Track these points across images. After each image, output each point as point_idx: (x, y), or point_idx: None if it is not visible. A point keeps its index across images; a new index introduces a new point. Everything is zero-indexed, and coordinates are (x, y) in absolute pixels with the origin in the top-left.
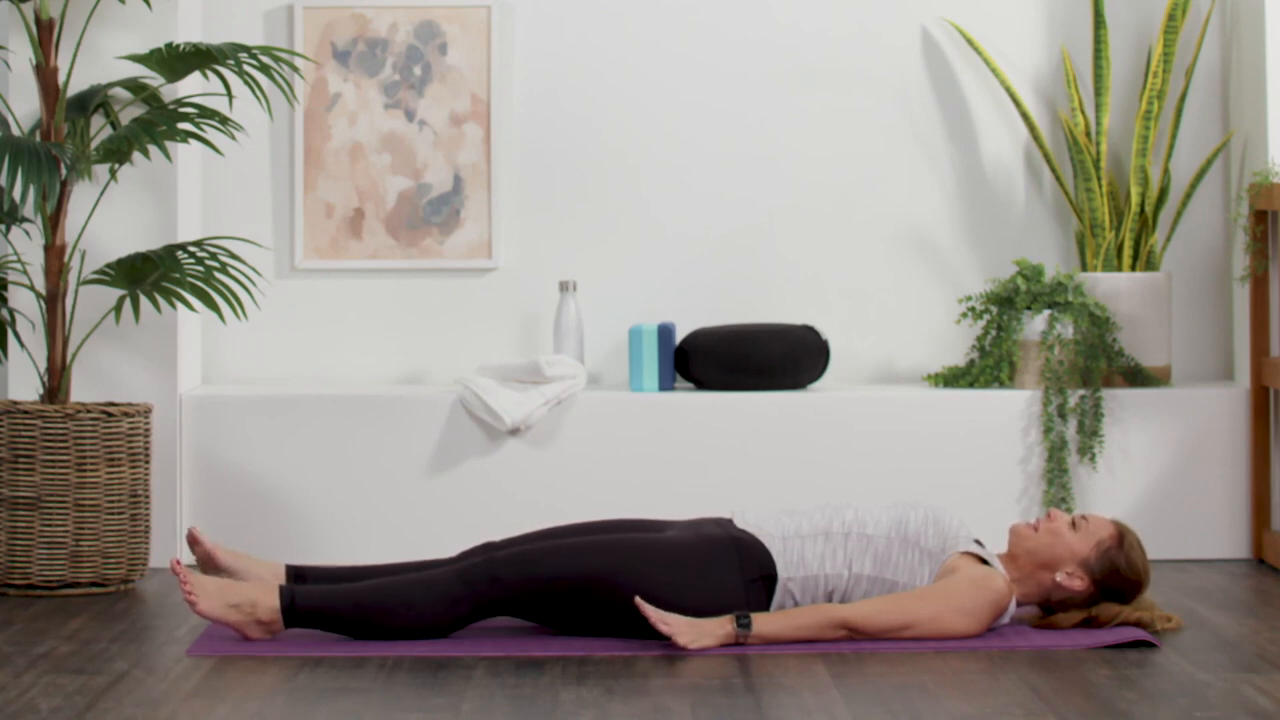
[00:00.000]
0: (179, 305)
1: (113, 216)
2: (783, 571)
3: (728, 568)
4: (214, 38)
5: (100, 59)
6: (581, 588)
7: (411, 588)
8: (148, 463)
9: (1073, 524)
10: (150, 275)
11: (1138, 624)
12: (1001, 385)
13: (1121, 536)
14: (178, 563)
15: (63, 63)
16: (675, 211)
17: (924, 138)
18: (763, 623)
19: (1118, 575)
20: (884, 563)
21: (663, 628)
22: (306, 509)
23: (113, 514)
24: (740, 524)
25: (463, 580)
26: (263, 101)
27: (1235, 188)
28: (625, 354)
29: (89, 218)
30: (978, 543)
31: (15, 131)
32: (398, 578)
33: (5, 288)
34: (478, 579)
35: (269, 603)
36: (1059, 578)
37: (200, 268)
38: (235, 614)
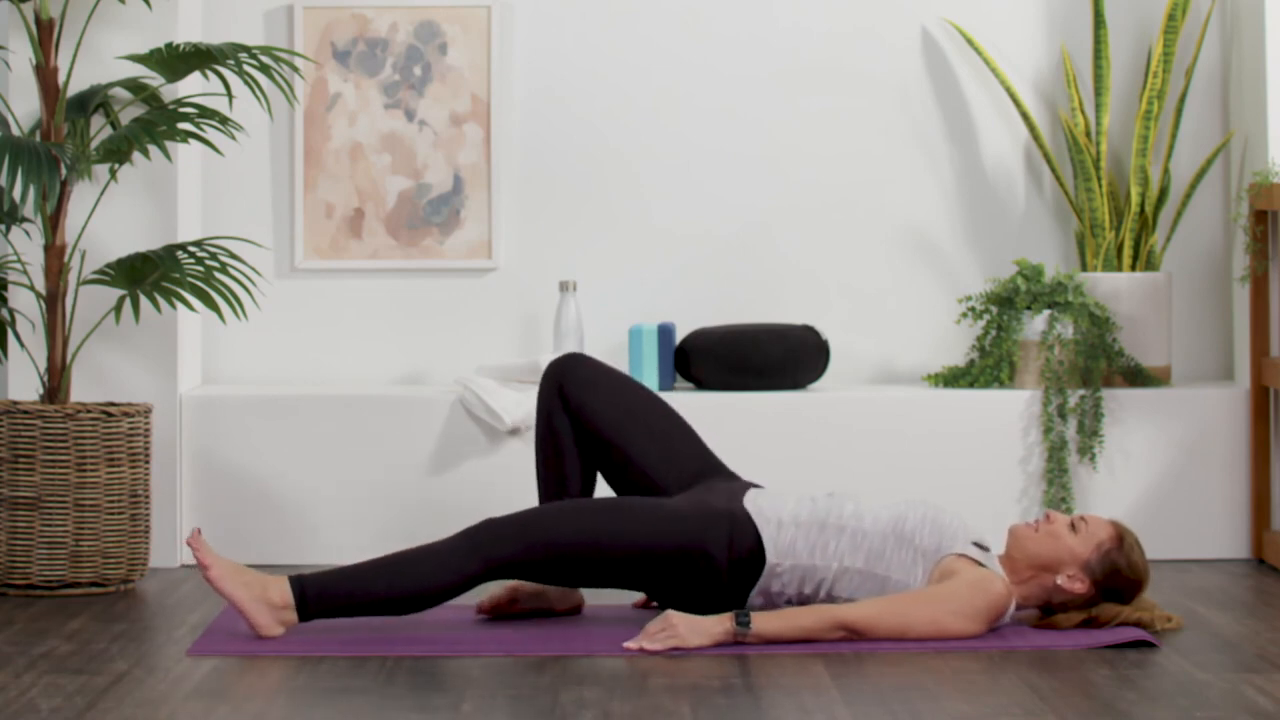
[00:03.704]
0: (179, 305)
1: (113, 216)
2: (771, 557)
3: (716, 543)
4: (214, 38)
5: (100, 59)
6: (579, 549)
7: (421, 562)
8: (148, 463)
9: (1071, 526)
10: (150, 275)
11: (1138, 624)
12: (1001, 385)
13: (1121, 538)
14: (197, 531)
15: (63, 63)
16: (675, 211)
17: (924, 138)
18: (762, 621)
19: (1118, 576)
20: (876, 558)
21: (660, 645)
22: (306, 509)
23: (113, 514)
24: (748, 503)
25: (471, 544)
26: (263, 101)
27: (1235, 188)
28: (625, 354)
29: (89, 218)
30: (979, 546)
31: (15, 131)
32: (405, 551)
33: (5, 288)
34: (484, 542)
35: (280, 584)
36: (1060, 581)
37: (200, 268)
38: (244, 591)
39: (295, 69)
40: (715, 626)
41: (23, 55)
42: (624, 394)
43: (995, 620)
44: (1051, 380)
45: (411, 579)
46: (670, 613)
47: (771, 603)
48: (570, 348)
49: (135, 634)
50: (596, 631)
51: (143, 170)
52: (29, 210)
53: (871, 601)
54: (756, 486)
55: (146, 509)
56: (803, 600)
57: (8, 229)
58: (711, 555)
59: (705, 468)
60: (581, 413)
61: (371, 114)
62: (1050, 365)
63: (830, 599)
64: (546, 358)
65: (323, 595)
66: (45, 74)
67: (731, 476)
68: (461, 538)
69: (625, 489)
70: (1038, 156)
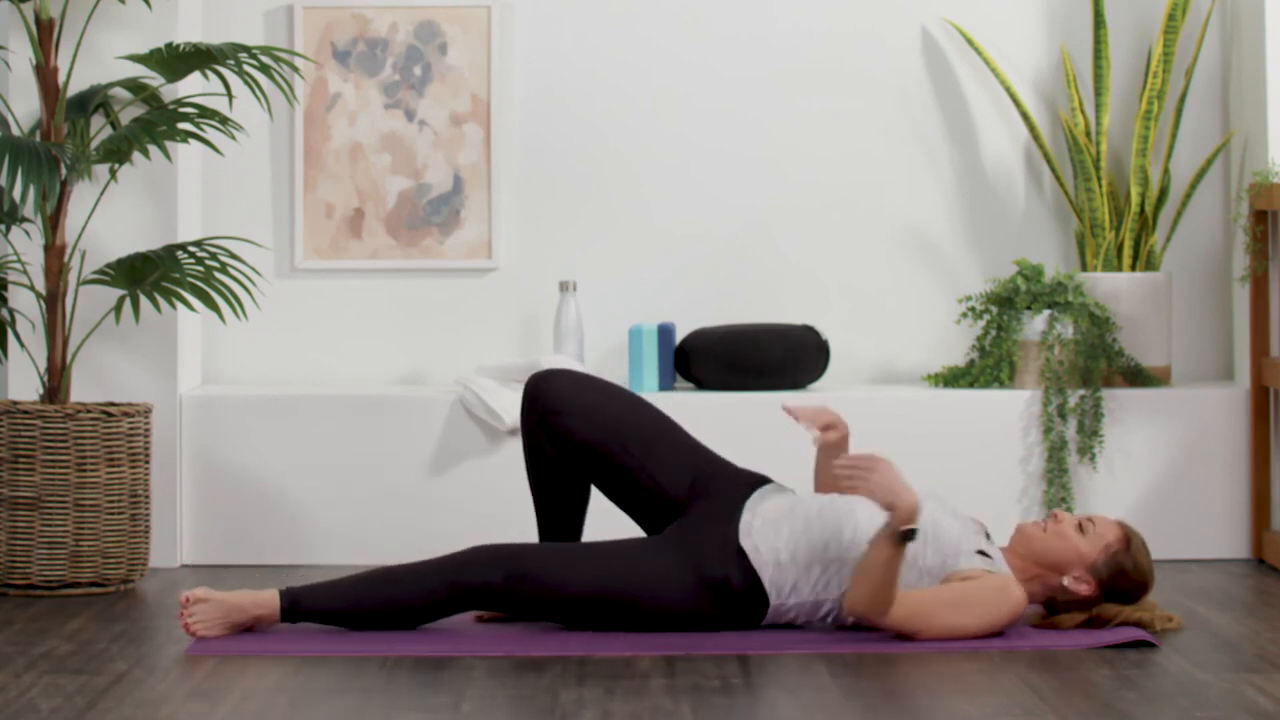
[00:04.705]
0: (179, 305)
1: (113, 216)
2: (774, 599)
3: (715, 595)
4: (214, 38)
5: (100, 59)
6: (569, 601)
7: (401, 593)
8: (148, 463)
9: (1079, 526)
10: (150, 275)
11: (1138, 624)
12: (1001, 385)
13: (1128, 539)
14: (187, 599)
15: (63, 63)
16: (675, 211)
17: (924, 138)
18: (893, 553)
19: (1124, 578)
20: None
21: (862, 483)
22: (306, 509)
23: (113, 514)
24: (743, 536)
25: (450, 584)
26: (263, 101)
27: (1235, 188)
28: (625, 354)
29: (89, 218)
30: (983, 553)
31: (15, 131)
32: (391, 574)
33: (5, 288)
34: (470, 583)
35: (271, 614)
36: (1066, 581)
37: (200, 268)
38: (236, 629)
39: (295, 69)
40: (908, 496)
41: (23, 55)
42: (608, 409)
43: (1010, 625)
44: (1051, 380)
45: (389, 594)
46: (879, 463)
47: (785, 626)
48: (570, 348)
49: (135, 634)
50: (596, 632)
51: (143, 170)
52: (29, 210)
53: (902, 602)
54: (757, 485)
55: (146, 509)
56: (814, 620)
57: (8, 229)
58: (712, 615)
59: (701, 470)
60: (569, 439)
61: (371, 114)
62: (1050, 365)
63: (839, 619)
64: (546, 358)
65: (311, 611)
66: (45, 74)
67: (728, 474)
68: (447, 558)
69: (622, 500)
70: (1038, 156)
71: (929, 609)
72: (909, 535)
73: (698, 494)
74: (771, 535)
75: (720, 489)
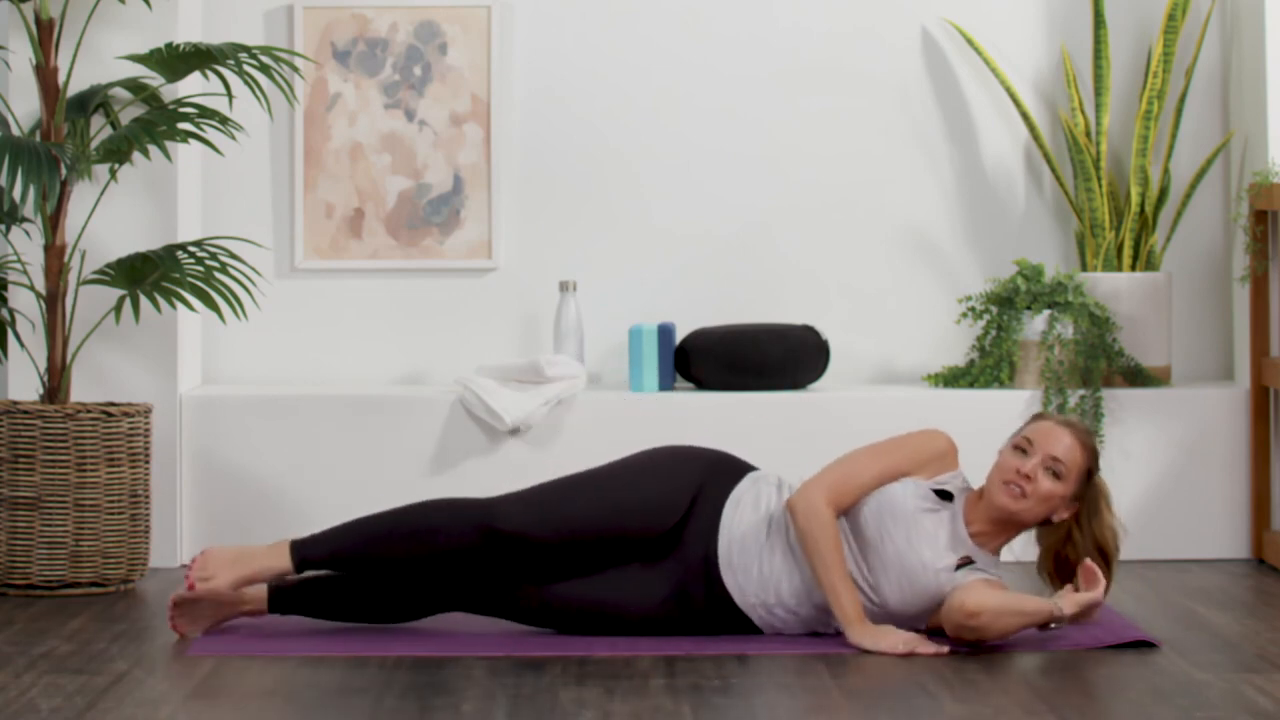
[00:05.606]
0: (179, 305)
1: (113, 216)
2: (766, 630)
3: (710, 615)
4: (214, 38)
5: (100, 59)
6: (561, 608)
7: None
8: (148, 463)
9: (1052, 473)
10: (150, 275)
11: (1103, 546)
12: (1001, 385)
13: (1084, 444)
14: (191, 585)
15: (63, 63)
16: (675, 211)
17: (924, 138)
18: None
19: (1091, 474)
20: (870, 618)
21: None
22: (307, 509)
23: (113, 514)
24: (724, 569)
25: (466, 520)
26: (263, 101)
27: (1235, 188)
28: (625, 354)
29: (89, 218)
30: (967, 560)
31: (15, 131)
32: (407, 516)
33: (5, 288)
34: (481, 520)
35: (283, 565)
36: (1054, 519)
37: (200, 268)
38: (224, 618)
39: (295, 69)
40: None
41: (23, 55)
42: (575, 515)
43: None
44: (1051, 380)
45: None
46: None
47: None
48: (570, 348)
49: (135, 634)
50: (596, 633)
51: (143, 170)
52: (29, 210)
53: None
54: (729, 489)
55: (146, 509)
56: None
57: (8, 229)
58: (706, 625)
59: (679, 506)
60: (546, 557)
61: (371, 114)
62: (1050, 365)
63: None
64: (547, 358)
65: (319, 555)
66: (45, 74)
67: (700, 491)
68: (469, 516)
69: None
70: (1038, 156)
71: (1004, 634)
72: (1050, 627)
73: (680, 524)
74: (755, 576)
75: (697, 507)
